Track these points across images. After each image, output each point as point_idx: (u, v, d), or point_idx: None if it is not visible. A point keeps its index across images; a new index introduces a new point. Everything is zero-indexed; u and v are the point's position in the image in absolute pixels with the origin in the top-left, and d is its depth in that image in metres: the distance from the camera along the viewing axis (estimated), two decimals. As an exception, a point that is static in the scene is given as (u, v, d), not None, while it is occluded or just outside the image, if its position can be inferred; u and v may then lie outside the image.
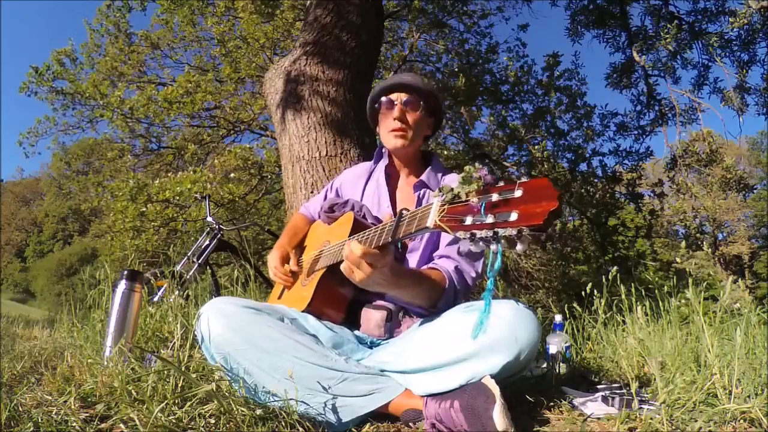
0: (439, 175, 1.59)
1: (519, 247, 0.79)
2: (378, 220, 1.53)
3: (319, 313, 1.37)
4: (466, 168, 0.90)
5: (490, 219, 0.82)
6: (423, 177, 1.55)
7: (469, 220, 0.86)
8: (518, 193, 0.81)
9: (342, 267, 1.12)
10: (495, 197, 0.84)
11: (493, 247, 0.82)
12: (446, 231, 0.89)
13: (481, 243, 0.83)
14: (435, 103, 1.60)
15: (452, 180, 1.58)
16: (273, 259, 1.61)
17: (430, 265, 1.41)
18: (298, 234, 1.74)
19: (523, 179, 0.83)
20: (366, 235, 1.20)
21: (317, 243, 1.61)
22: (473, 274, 1.40)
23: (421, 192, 1.55)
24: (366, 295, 1.43)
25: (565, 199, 7.03)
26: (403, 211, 1.09)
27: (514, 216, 0.79)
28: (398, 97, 1.55)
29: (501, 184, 0.86)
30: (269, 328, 1.22)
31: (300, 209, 1.86)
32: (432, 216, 0.95)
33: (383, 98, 1.56)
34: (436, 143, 7.70)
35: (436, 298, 1.31)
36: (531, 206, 0.78)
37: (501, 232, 0.80)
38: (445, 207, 0.93)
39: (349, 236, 1.35)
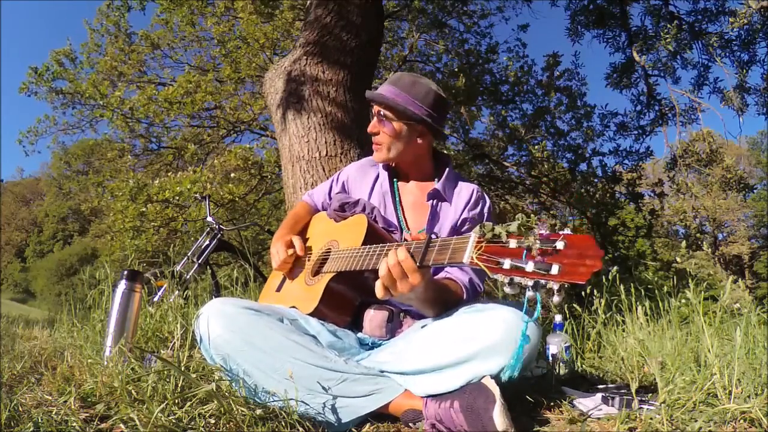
0: (454, 186, 1.55)
1: (556, 299, 0.80)
2: (387, 222, 1.50)
3: (324, 316, 1.36)
4: (522, 217, 0.88)
5: (530, 267, 0.82)
6: (438, 186, 1.52)
7: (507, 264, 0.86)
8: (560, 245, 0.81)
9: (382, 276, 1.11)
10: (537, 245, 0.84)
11: (530, 293, 0.82)
12: (484, 270, 0.89)
13: (517, 288, 0.84)
14: (410, 110, 1.46)
15: (466, 187, 1.55)
16: (279, 250, 1.55)
17: (447, 276, 1.41)
18: (299, 223, 1.71)
19: (567, 231, 0.83)
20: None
21: (322, 238, 1.58)
22: (482, 287, 1.42)
23: (435, 202, 1.51)
24: (368, 296, 1.43)
25: (566, 199, 7.04)
26: (432, 237, 1.08)
27: (555, 269, 0.80)
28: (376, 109, 1.51)
29: (544, 232, 0.85)
30: (269, 329, 1.22)
31: (304, 197, 1.82)
32: (468, 252, 0.94)
33: None
34: (436, 143, 7.68)
35: (451, 309, 1.31)
36: (574, 262, 0.79)
37: (541, 282, 0.81)
38: (482, 244, 0.92)
39: (363, 243, 1.33)
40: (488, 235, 0.92)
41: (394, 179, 1.60)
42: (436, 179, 1.57)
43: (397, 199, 1.56)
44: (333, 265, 1.39)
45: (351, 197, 1.59)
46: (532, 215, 0.89)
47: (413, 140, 1.51)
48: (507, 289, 0.85)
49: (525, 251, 0.84)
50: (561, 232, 0.83)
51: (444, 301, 1.28)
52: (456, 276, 1.39)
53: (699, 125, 5.36)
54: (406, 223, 1.52)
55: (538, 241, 0.84)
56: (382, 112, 1.50)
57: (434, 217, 1.50)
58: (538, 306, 0.84)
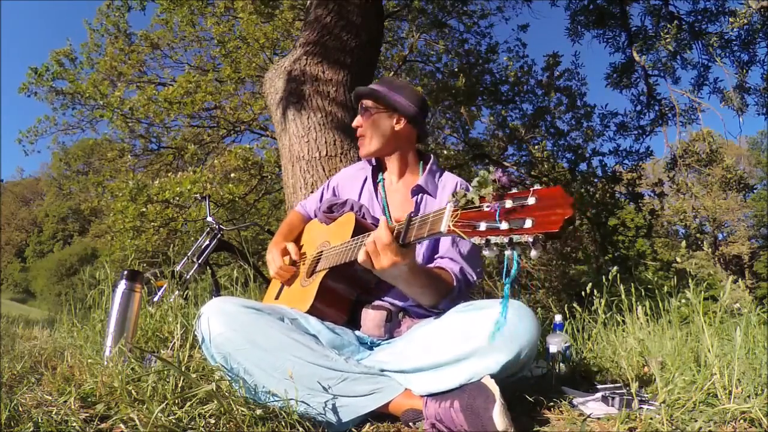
0: (437, 179, 1.59)
1: (533, 253, 0.80)
2: (375, 220, 1.52)
3: (321, 314, 1.37)
4: (482, 172, 0.90)
5: (504, 225, 0.83)
6: (420, 181, 1.55)
7: (483, 226, 0.87)
8: (532, 200, 0.82)
9: (363, 251, 1.14)
10: (509, 203, 0.85)
11: (507, 252, 0.83)
12: (461, 236, 0.91)
13: (495, 248, 0.85)
14: (389, 98, 1.56)
15: (450, 180, 1.59)
16: (274, 257, 1.60)
17: (437, 265, 1.42)
18: (293, 231, 1.75)
19: (536, 186, 0.84)
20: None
21: (315, 242, 1.61)
22: (474, 276, 1.42)
23: (419, 197, 1.54)
24: (366, 295, 1.43)
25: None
26: (411, 215, 1.11)
27: (529, 223, 0.81)
28: (360, 105, 1.61)
29: (514, 190, 0.87)
30: (269, 327, 1.22)
31: (296, 207, 1.86)
32: (445, 221, 0.96)
33: None
34: (436, 143, 7.70)
35: (442, 298, 1.32)
36: (546, 213, 0.80)
37: (516, 238, 0.81)
38: (458, 212, 0.94)
39: (352, 236, 1.35)
40: (461, 202, 0.94)
41: (381, 180, 1.63)
42: (420, 175, 1.60)
43: (384, 197, 1.58)
44: (325, 263, 1.41)
45: (339, 199, 1.63)
46: (490, 167, 0.91)
47: (392, 128, 1.57)
48: (486, 252, 0.86)
49: (497, 211, 0.86)
50: (531, 188, 0.84)
51: (433, 287, 1.29)
52: (447, 266, 1.40)
53: (699, 125, 5.37)
54: (393, 220, 1.53)
55: (509, 200, 0.85)
56: (363, 105, 1.59)
57: (419, 211, 1.52)
58: (515, 263, 0.84)
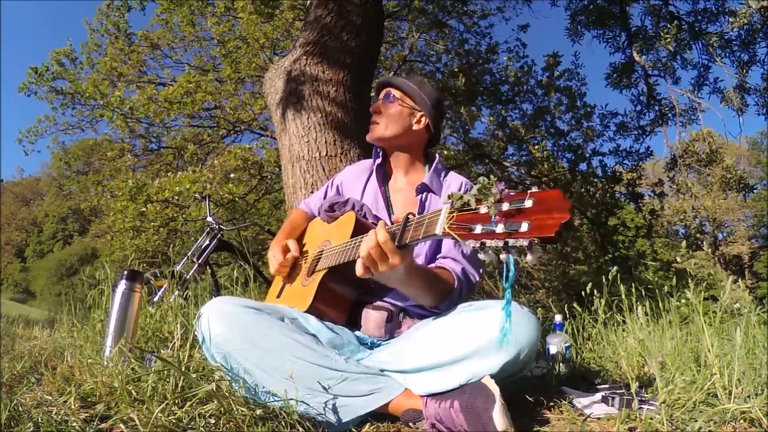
0: (442, 178, 1.58)
1: (529, 257, 0.79)
2: (377, 219, 1.52)
3: (320, 313, 1.37)
4: (482, 179, 0.88)
5: (500, 229, 0.82)
6: (425, 180, 1.54)
7: (478, 229, 0.85)
8: (529, 203, 0.81)
9: (362, 256, 1.11)
10: (505, 206, 0.83)
11: (503, 256, 0.81)
12: (455, 239, 0.89)
13: (490, 252, 0.83)
14: (418, 96, 1.59)
15: (455, 180, 1.58)
16: (275, 254, 1.59)
17: (438, 265, 1.41)
18: (295, 230, 1.74)
19: (534, 189, 0.82)
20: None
21: (317, 241, 1.60)
22: (477, 277, 1.42)
23: (424, 195, 1.53)
24: (367, 295, 1.43)
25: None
26: (409, 216, 1.09)
27: (525, 227, 0.79)
28: (384, 92, 1.61)
29: (512, 193, 0.85)
30: (269, 327, 1.22)
31: (300, 205, 1.85)
32: (440, 223, 0.95)
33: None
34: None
35: (443, 298, 1.31)
36: (542, 217, 0.78)
37: (512, 242, 0.79)
38: (454, 214, 0.93)
39: (351, 237, 1.35)
40: (457, 204, 0.93)
41: (385, 177, 1.62)
42: (426, 175, 1.60)
43: (388, 196, 1.58)
44: (325, 263, 1.41)
45: (341, 197, 1.62)
46: (491, 176, 0.90)
47: (410, 125, 1.59)
48: (481, 256, 0.84)
49: (493, 214, 0.84)
50: (529, 191, 0.82)
51: (432, 288, 1.27)
52: (449, 266, 1.39)
53: (699, 125, 5.36)
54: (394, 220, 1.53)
55: (506, 203, 0.84)
56: (389, 93, 1.59)
57: (423, 210, 1.52)
58: (512, 269, 0.82)
